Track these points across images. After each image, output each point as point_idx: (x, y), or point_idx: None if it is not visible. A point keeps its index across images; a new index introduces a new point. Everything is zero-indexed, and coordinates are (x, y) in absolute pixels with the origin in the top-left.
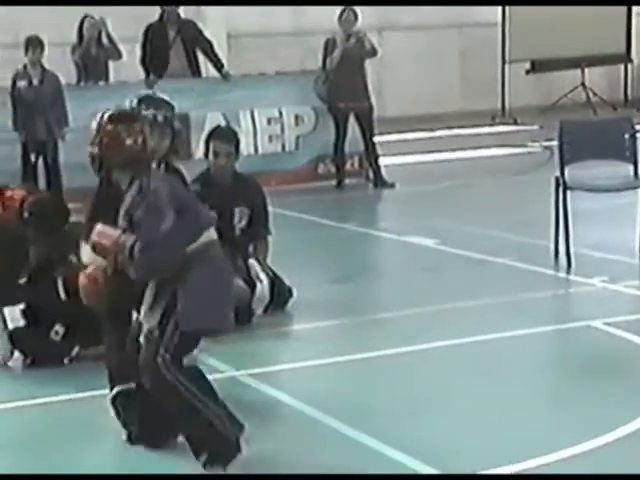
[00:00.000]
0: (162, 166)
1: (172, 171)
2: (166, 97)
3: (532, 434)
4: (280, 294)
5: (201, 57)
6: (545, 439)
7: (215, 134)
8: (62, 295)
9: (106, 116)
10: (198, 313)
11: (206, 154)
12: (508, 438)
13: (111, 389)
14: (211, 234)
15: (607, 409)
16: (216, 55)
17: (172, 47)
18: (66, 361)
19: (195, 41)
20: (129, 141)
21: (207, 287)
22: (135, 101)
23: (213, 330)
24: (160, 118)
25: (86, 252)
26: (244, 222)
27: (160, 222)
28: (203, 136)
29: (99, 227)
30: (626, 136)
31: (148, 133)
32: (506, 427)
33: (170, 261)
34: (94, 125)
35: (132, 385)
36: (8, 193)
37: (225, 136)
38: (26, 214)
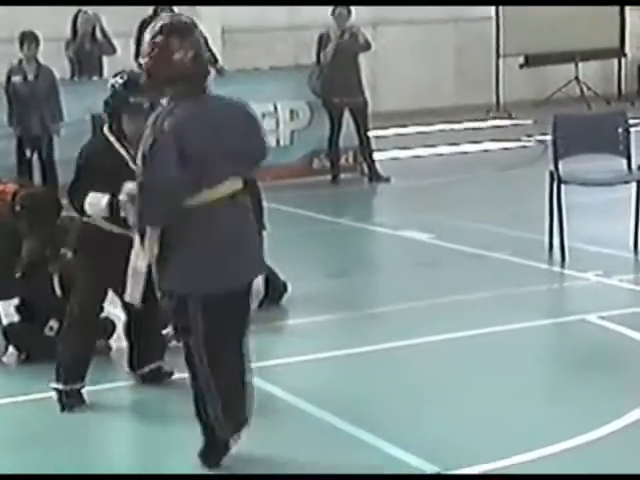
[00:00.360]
0: None
1: None
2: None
3: (528, 427)
4: (275, 289)
5: None
6: (540, 432)
7: None
8: (58, 291)
9: (158, 25)
10: (195, 276)
11: None
12: (505, 431)
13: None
14: (221, 189)
15: (602, 402)
16: (210, 50)
17: None
18: None
19: None
20: (177, 55)
21: (202, 248)
22: (121, 82)
23: (210, 293)
24: (146, 105)
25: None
26: None
27: (158, 166)
28: None
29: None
30: (619, 130)
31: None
32: (503, 421)
33: (164, 212)
34: (147, 36)
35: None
36: (0, 187)
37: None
38: (18, 207)
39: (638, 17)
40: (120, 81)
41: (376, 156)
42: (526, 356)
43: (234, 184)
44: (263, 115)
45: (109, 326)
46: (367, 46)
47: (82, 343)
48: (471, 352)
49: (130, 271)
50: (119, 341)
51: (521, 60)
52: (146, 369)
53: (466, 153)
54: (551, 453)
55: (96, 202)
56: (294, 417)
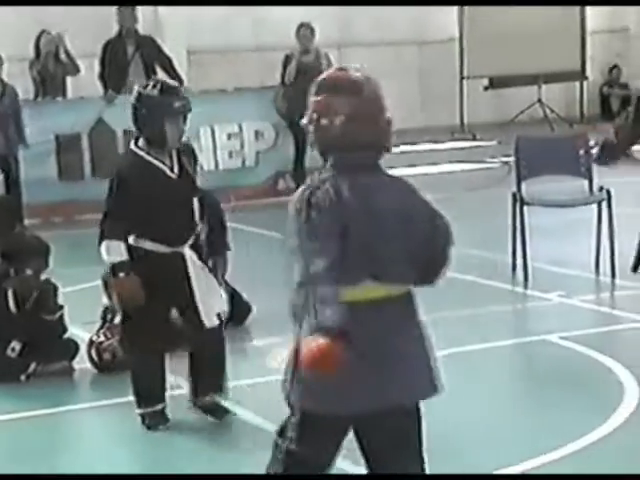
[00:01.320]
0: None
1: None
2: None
3: (491, 447)
4: (239, 310)
5: (160, 73)
6: (504, 452)
7: None
8: (12, 308)
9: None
10: (321, 391)
11: None
12: (467, 451)
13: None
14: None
15: (564, 422)
16: (175, 71)
17: (131, 63)
18: (23, 378)
19: (154, 57)
20: (324, 121)
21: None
22: (157, 89)
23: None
24: (188, 107)
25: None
26: (202, 238)
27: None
28: None
29: None
30: (581, 152)
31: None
32: (464, 441)
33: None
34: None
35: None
36: None
37: (185, 152)
38: None
39: (599, 41)
40: (155, 90)
41: None
42: (489, 376)
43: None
44: (228, 136)
45: (72, 347)
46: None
47: (145, 365)
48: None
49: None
50: (82, 362)
51: (485, 82)
52: (207, 399)
53: (430, 174)
54: (515, 472)
55: (105, 254)
56: (258, 439)
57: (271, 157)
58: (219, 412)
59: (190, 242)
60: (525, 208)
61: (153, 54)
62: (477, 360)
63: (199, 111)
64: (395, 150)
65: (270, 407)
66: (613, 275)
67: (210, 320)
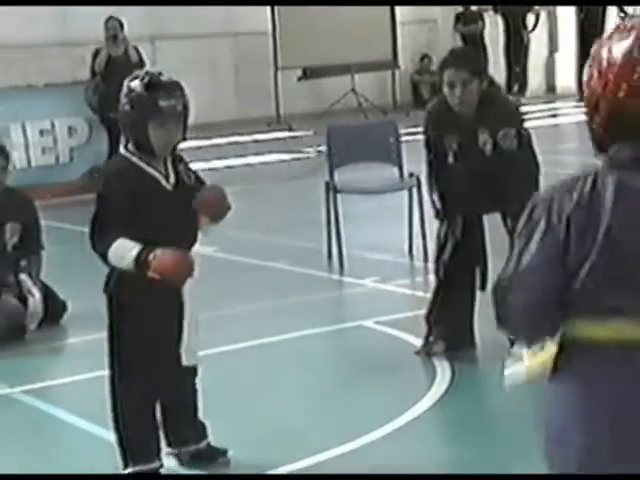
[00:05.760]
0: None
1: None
2: None
3: (307, 432)
4: (54, 308)
5: None
6: (316, 437)
7: None
8: None
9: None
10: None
11: None
12: (283, 437)
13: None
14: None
15: (378, 405)
16: None
17: None
18: None
19: None
20: None
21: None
22: (143, 84)
23: None
24: (179, 108)
25: None
26: (16, 238)
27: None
28: None
29: None
30: (391, 139)
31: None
32: (281, 426)
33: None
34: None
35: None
36: None
37: (181, 160)
38: None
39: (409, 30)
40: (140, 83)
41: None
42: (306, 363)
43: None
44: (41, 132)
45: None
46: (140, 64)
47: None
48: (253, 361)
49: None
50: None
51: (299, 73)
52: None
53: (248, 165)
54: (333, 455)
55: (121, 254)
56: (75, 437)
57: (85, 153)
58: (212, 457)
59: None
60: (338, 196)
61: None
62: (294, 348)
63: (8, 107)
64: (209, 142)
65: (86, 405)
66: (426, 259)
67: (189, 358)
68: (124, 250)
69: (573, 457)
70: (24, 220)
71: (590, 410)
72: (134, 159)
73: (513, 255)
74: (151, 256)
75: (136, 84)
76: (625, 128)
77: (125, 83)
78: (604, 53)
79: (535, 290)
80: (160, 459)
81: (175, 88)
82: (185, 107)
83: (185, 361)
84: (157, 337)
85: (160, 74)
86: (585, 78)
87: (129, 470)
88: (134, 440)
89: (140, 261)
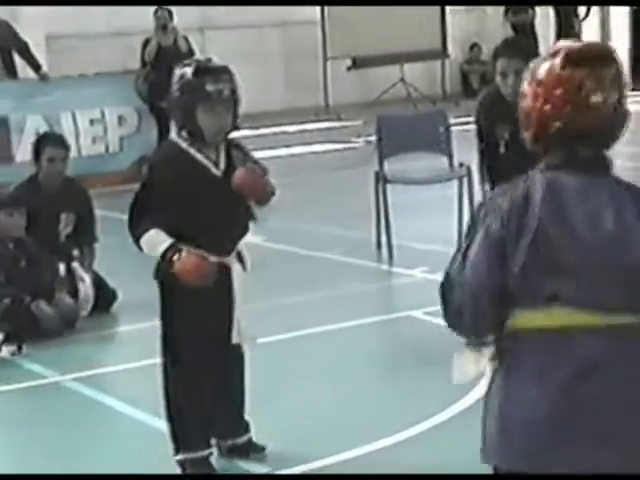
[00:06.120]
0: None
1: (234, 147)
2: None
3: (363, 421)
4: (104, 297)
5: (18, 59)
6: (364, 429)
7: (47, 140)
8: None
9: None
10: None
11: (36, 160)
12: (339, 427)
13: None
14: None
15: (426, 396)
16: (32, 56)
17: None
18: None
19: (9, 42)
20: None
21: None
22: (191, 71)
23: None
24: (226, 92)
25: None
26: (70, 228)
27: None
28: (24, 139)
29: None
30: (441, 129)
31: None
32: (337, 417)
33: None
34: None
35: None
36: None
37: (58, 141)
38: None
39: (459, 19)
40: (189, 70)
41: None
42: (354, 353)
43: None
44: (91, 122)
45: None
46: (190, 54)
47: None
48: (306, 351)
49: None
50: None
51: (348, 62)
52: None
53: (297, 155)
54: (381, 447)
55: (152, 245)
56: (125, 425)
57: (135, 142)
58: (247, 452)
59: (236, 251)
60: (388, 186)
61: (8, 39)
62: (342, 338)
63: (60, 97)
64: (261, 132)
65: (136, 393)
66: None
67: (239, 337)
68: (155, 242)
69: (515, 441)
70: (79, 211)
71: (530, 395)
72: (184, 145)
73: (458, 253)
74: (176, 256)
75: (185, 70)
76: (552, 138)
77: (175, 71)
78: (535, 71)
79: (481, 286)
80: (210, 446)
81: (223, 73)
82: (233, 92)
83: (234, 338)
84: (207, 322)
85: (209, 60)
86: (521, 94)
87: (179, 457)
88: (185, 427)
89: (166, 258)
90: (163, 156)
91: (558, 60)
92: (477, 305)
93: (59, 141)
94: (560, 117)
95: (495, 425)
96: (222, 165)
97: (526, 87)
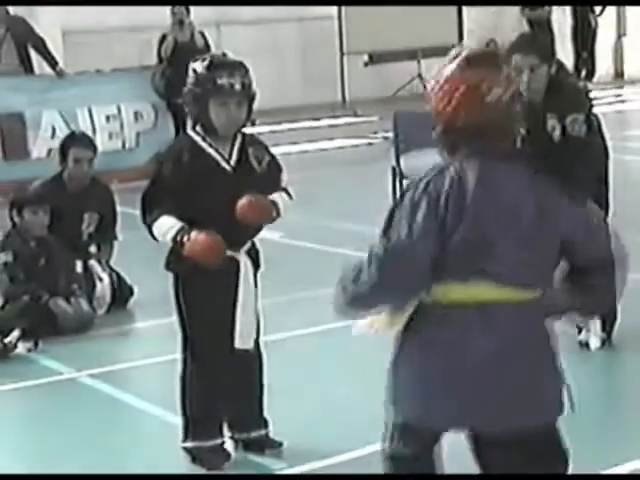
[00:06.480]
0: (239, 138)
1: (251, 142)
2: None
3: (370, 420)
4: (121, 293)
5: (34, 54)
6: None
7: (74, 140)
8: None
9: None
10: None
11: (62, 159)
12: (358, 423)
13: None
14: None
15: None
16: (49, 52)
17: (2, 45)
18: None
19: (26, 38)
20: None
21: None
22: (204, 65)
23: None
24: (237, 86)
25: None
26: (92, 227)
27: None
28: (40, 135)
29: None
30: None
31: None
32: (356, 413)
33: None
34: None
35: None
36: None
37: (85, 142)
38: None
39: (475, 14)
40: (202, 64)
41: None
42: (373, 349)
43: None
44: (107, 118)
45: None
46: (206, 49)
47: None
48: (323, 347)
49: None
50: None
51: (365, 58)
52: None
53: (313, 151)
54: None
55: (163, 231)
56: (142, 421)
57: (151, 138)
58: (262, 447)
59: (247, 247)
60: (405, 182)
61: (25, 35)
62: (361, 334)
63: (76, 93)
64: (278, 127)
65: (156, 390)
66: None
67: (243, 341)
68: (166, 227)
69: (435, 402)
70: (103, 211)
71: (450, 363)
72: (197, 138)
73: (391, 229)
74: (186, 237)
75: (198, 64)
76: (458, 132)
77: (190, 65)
78: (440, 74)
79: (416, 259)
80: (222, 436)
81: (237, 67)
82: (246, 86)
83: (238, 344)
84: (220, 314)
85: (224, 55)
86: (428, 94)
87: (187, 444)
88: (196, 415)
89: (177, 241)
90: (173, 150)
91: (458, 63)
92: (410, 276)
93: (86, 142)
94: (461, 114)
95: (410, 386)
96: (234, 160)
97: (432, 87)
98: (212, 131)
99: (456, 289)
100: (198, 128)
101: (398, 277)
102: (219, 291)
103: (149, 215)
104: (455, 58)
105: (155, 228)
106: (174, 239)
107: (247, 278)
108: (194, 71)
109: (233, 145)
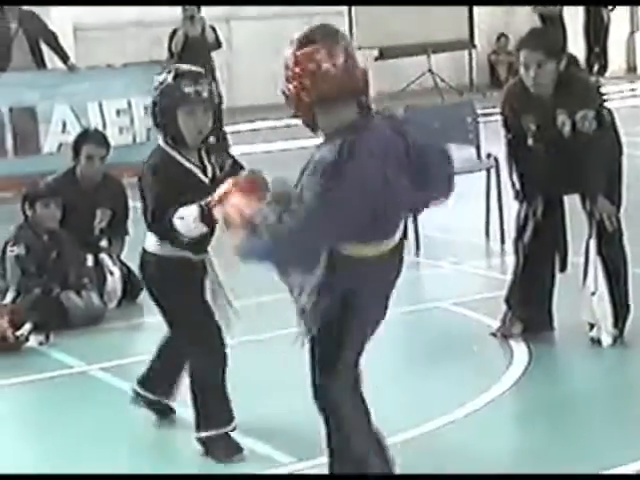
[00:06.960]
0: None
1: (212, 149)
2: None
3: (379, 415)
4: (132, 287)
5: (46, 49)
6: (390, 419)
7: (88, 137)
8: None
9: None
10: None
11: (75, 155)
12: None
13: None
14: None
15: (453, 387)
16: (61, 47)
17: (14, 40)
18: None
19: (38, 33)
20: (326, 65)
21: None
22: (170, 75)
23: None
24: (205, 94)
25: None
26: (104, 223)
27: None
28: (51, 129)
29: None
30: (468, 120)
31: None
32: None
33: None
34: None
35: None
36: None
37: (99, 139)
38: None
39: (486, 9)
40: (168, 75)
41: (233, 151)
42: (382, 344)
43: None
44: (117, 112)
45: None
46: (217, 44)
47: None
48: None
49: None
50: None
51: (375, 53)
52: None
53: None
54: (406, 438)
55: (185, 220)
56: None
57: None
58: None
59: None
60: None
61: (37, 30)
62: None
63: (87, 87)
64: (285, 122)
65: None
66: (502, 241)
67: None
68: (186, 215)
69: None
70: (115, 207)
71: (354, 292)
72: (173, 152)
73: (316, 194)
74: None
75: (164, 76)
76: (315, 106)
77: (154, 78)
78: (285, 61)
79: (340, 222)
80: (233, 422)
81: (201, 76)
82: (211, 94)
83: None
84: (203, 298)
85: (188, 66)
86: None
87: (202, 434)
88: (207, 404)
89: (204, 214)
90: (160, 161)
91: (293, 45)
92: (327, 238)
93: (100, 139)
94: (308, 88)
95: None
96: (209, 172)
97: (284, 74)
98: (181, 142)
99: (360, 248)
100: (169, 140)
101: (321, 236)
102: (194, 281)
103: (163, 219)
104: (291, 42)
105: (177, 224)
106: (201, 217)
107: (215, 271)
108: (161, 82)
109: (201, 155)
